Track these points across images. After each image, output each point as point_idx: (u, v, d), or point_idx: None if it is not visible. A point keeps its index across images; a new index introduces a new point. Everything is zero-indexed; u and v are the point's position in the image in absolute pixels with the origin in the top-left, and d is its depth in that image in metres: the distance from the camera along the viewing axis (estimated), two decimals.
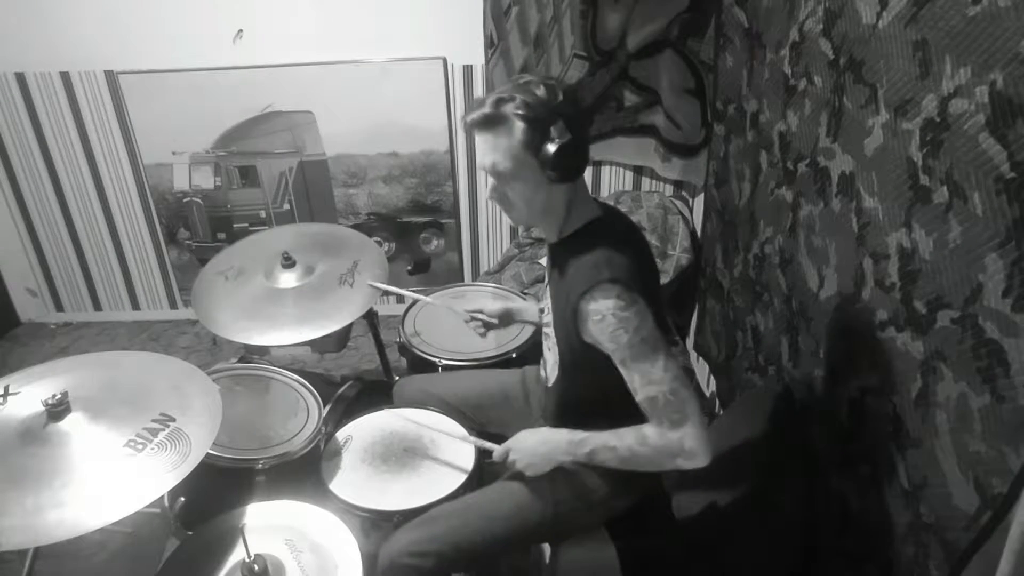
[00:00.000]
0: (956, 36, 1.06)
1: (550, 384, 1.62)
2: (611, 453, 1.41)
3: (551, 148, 1.30)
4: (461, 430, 1.79)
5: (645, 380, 1.34)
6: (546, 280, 1.60)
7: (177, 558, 1.53)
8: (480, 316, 1.86)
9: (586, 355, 1.41)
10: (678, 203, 2.94)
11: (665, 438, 1.34)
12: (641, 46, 2.67)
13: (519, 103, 1.31)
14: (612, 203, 2.78)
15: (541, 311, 1.64)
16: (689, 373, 2.73)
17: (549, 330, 1.55)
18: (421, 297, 2.12)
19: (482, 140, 1.36)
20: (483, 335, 1.90)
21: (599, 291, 1.33)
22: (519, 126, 1.31)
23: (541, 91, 1.32)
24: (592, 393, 1.49)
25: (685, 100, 2.73)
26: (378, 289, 2.03)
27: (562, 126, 1.30)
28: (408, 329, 2.23)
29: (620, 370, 1.36)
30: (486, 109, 1.33)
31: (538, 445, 1.52)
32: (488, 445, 1.64)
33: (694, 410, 1.34)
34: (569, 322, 1.40)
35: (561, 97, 1.32)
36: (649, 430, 1.36)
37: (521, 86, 1.33)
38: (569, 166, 1.35)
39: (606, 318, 1.33)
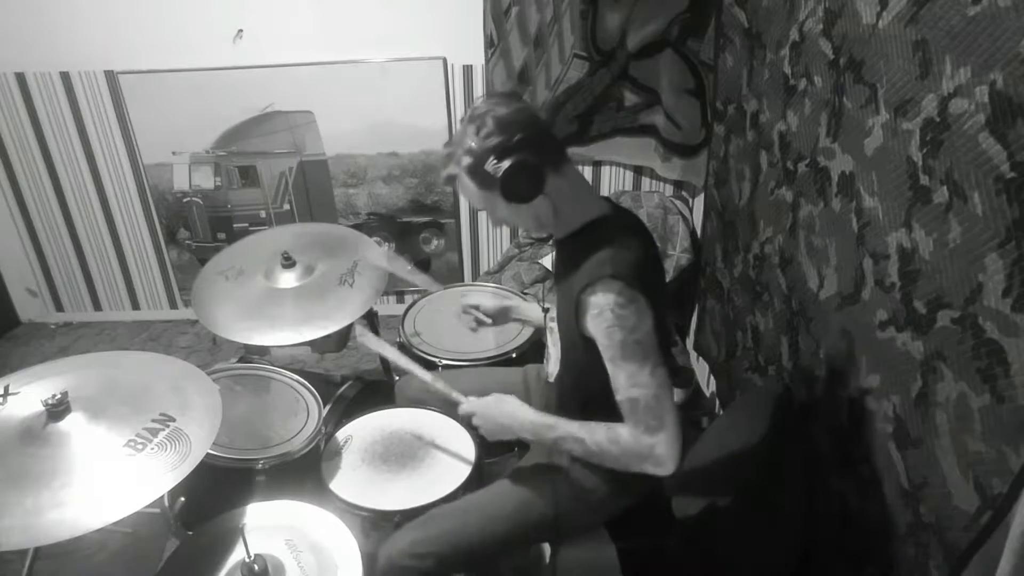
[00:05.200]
0: (956, 36, 1.06)
1: (551, 379, 1.62)
2: (578, 444, 1.42)
3: (493, 182, 1.35)
4: (427, 375, 1.73)
5: (631, 381, 1.34)
6: (552, 276, 1.61)
7: (177, 558, 1.53)
8: (475, 312, 1.87)
9: (587, 350, 1.41)
10: (678, 203, 2.94)
11: (638, 441, 1.35)
12: (641, 46, 2.67)
13: (461, 154, 1.38)
14: None
15: (546, 310, 1.65)
16: (689, 373, 2.73)
17: (553, 324, 1.56)
18: (422, 281, 2.10)
19: (458, 191, 1.46)
20: (474, 330, 1.91)
21: (601, 285, 1.34)
22: (466, 175, 1.39)
23: (471, 132, 1.36)
24: (593, 389, 1.49)
25: (685, 100, 2.73)
26: (388, 267, 2.02)
27: (493, 161, 1.33)
28: (408, 329, 2.23)
29: (608, 366, 1.37)
30: (447, 170, 1.43)
31: (502, 417, 1.53)
32: (456, 396, 1.62)
33: (672, 420, 1.35)
34: (571, 315, 1.40)
35: (487, 130, 1.34)
36: (623, 431, 1.37)
37: (460, 132, 1.40)
38: (518, 189, 1.36)
39: (604, 313, 1.34)
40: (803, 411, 1.67)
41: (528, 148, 1.34)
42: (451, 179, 1.43)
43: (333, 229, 2.43)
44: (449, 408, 1.87)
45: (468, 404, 1.59)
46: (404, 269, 2.04)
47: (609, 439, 1.38)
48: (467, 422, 1.61)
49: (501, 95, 1.44)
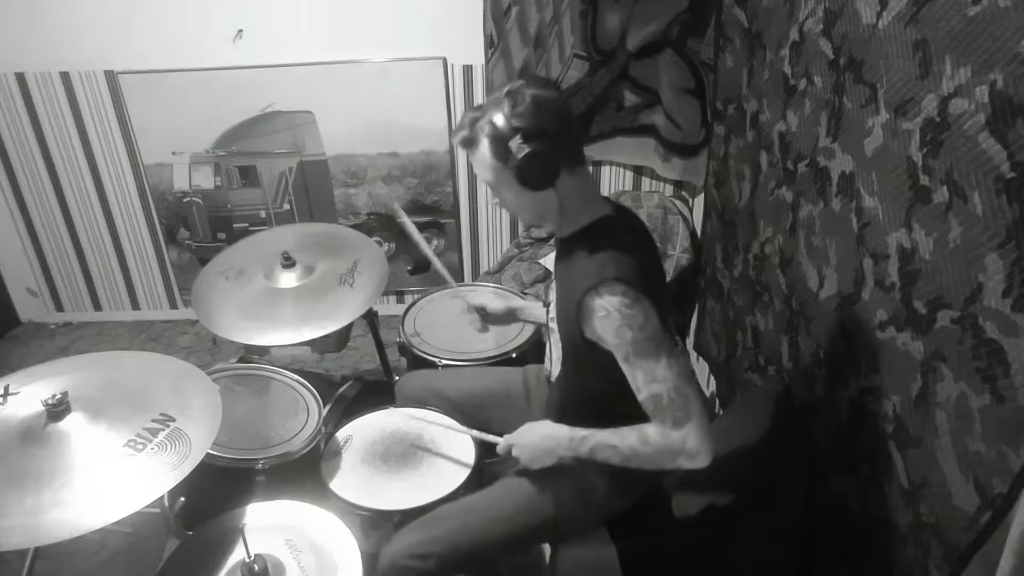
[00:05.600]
0: (956, 36, 1.06)
1: (553, 379, 1.62)
2: (612, 451, 1.41)
3: (512, 161, 1.34)
4: (462, 426, 1.79)
5: (649, 378, 1.34)
6: (553, 274, 1.61)
7: (177, 558, 1.53)
8: (481, 313, 1.86)
9: (588, 351, 1.41)
10: (678, 203, 2.93)
11: (667, 437, 1.35)
12: (641, 46, 2.67)
13: (485, 120, 1.36)
14: None
15: (547, 306, 1.65)
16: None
17: (554, 324, 1.56)
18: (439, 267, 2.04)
19: (468, 156, 1.43)
20: (479, 330, 1.90)
21: (604, 288, 1.34)
22: (485, 143, 1.36)
23: (506, 106, 1.34)
24: (593, 389, 1.50)
25: (685, 100, 2.73)
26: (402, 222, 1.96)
27: (519, 140, 1.33)
28: (408, 329, 2.23)
29: (623, 367, 1.36)
30: (463, 131, 1.40)
31: (541, 440, 1.52)
32: (491, 438, 1.64)
33: (697, 409, 1.34)
34: (572, 316, 1.40)
35: (522, 109, 1.33)
36: (651, 429, 1.36)
37: (493, 100, 1.38)
38: (532, 176, 1.36)
39: (611, 314, 1.34)
40: (803, 411, 1.67)
41: (554, 139, 1.35)
42: (467, 142, 1.40)
43: (333, 229, 2.43)
44: (449, 408, 1.87)
45: (504, 439, 1.58)
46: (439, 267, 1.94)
47: (640, 440, 1.37)
48: (507, 461, 1.60)
49: (544, 80, 1.43)
